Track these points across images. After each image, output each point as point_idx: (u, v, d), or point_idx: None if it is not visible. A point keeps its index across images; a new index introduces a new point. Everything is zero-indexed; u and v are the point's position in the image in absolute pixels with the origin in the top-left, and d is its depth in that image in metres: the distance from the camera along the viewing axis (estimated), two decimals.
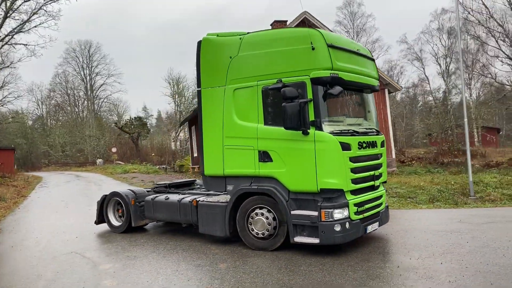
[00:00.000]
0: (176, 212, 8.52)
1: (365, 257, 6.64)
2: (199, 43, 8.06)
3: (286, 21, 24.11)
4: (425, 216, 10.40)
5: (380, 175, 7.61)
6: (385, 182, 7.93)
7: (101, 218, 9.93)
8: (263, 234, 7.24)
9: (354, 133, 7.08)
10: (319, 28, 21.24)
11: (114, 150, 45.77)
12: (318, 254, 6.89)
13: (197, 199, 8.21)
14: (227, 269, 6.35)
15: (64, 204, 15.56)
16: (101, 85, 66.96)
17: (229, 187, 7.77)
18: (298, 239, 6.83)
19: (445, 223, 9.31)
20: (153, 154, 50.36)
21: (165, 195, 9.00)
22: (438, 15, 50.92)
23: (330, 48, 6.73)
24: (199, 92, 8.10)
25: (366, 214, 7.14)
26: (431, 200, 14.14)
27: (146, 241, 8.60)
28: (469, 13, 36.51)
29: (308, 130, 6.65)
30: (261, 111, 7.21)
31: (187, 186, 10.25)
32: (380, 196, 7.68)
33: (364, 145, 7.14)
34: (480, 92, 53.75)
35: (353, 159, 6.83)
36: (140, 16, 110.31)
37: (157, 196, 9.09)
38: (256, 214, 7.30)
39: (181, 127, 52.19)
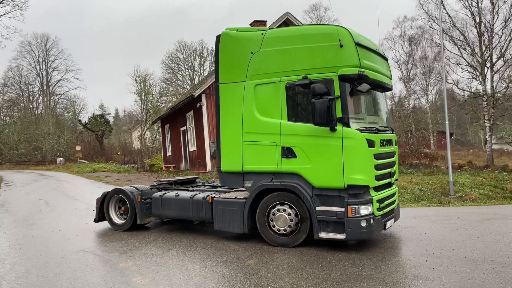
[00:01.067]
0: (188, 209, 8.35)
1: (390, 252, 6.77)
2: (218, 37, 7.96)
3: (266, 21, 24.21)
4: (421, 214, 10.72)
5: (394, 173, 7.80)
6: (396, 180, 8.12)
7: (101, 215, 9.57)
8: (284, 230, 7.23)
9: (377, 131, 7.21)
10: None
11: (78, 148, 44.12)
12: (341, 249, 6.97)
13: (212, 196, 8.08)
14: (257, 265, 6.29)
15: (44, 202, 14.85)
16: (58, 80, 64.25)
17: (247, 183, 7.70)
18: (323, 235, 6.87)
19: (445, 219, 9.65)
20: (118, 153, 49.00)
21: (175, 192, 8.80)
22: (401, 23, 52.65)
23: (357, 46, 6.83)
24: (217, 87, 7.99)
25: (385, 210, 7.29)
26: (416, 199, 14.65)
27: (156, 238, 8.37)
28: (434, 21, 37.96)
29: (336, 127, 6.70)
30: (285, 107, 7.20)
31: (190, 183, 10.07)
32: (394, 194, 7.86)
33: (384, 142, 7.28)
34: (436, 98, 56.08)
35: (376, 156, 6.96)
36: (97, 12, 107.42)
37: (165, 193, 8.87)
38: (278, 210, 7.28)
39: (148, 125, 51.17)
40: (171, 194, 8.76)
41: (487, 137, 33.15)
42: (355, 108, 7.14)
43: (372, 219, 6.77)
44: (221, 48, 7.90)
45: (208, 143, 20.40)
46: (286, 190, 7.24)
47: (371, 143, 6.81)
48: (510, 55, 35.17)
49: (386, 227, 7.33)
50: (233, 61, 7.79)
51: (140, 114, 54.93)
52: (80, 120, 50.45)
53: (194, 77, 61.08)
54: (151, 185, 9.90)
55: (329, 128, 6.70)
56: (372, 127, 7.19)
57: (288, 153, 7.15)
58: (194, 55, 61.66)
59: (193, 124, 22.31)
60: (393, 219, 7.69)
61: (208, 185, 9.86)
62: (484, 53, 34.29)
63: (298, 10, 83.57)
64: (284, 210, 7.24)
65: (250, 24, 24.90)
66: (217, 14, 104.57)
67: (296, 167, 7.10)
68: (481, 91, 33.43)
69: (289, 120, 7.18)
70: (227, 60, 7.85)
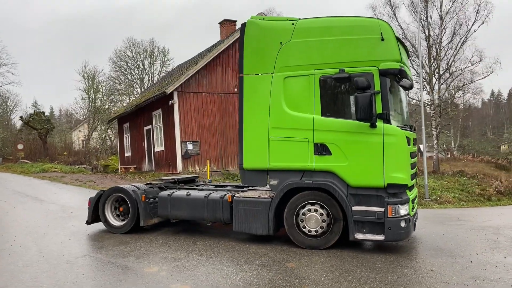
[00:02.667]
0: (202, 209, 7.73)
1: (428, 253, 6.60)
2: (244, 25, 7.46)
3: (236, 21, 23.80)
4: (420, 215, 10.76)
5: (416, 173, 7.69)
6: None
7: (94, 217, 8.67)
8: (316, 231, 6.85)
9: (410, 129, 7.06)
10: None
11: (20, 147, 40.88)
12: (374, 251, 6.72)
13: (232, 195, 7.54)
14: (300, 268, 5.86)
15: (7, 204, 13.39)
16: None
17: (273, 182, 7.24)
18: (360, 236, 6.57)
19: (447, 221, 9.73)
20: (65, 153, 46.19)
21: (185, 191, 8.13)
22: None
23: (397, 40, 6.64)
24: (240, 79, 7.47)
25: (414, 211, 7.14)
26: None
27: (166, 241, 7.67)
28: None
29: (376, 123, 6.44)
30: (318, 101, 6.85)
31: (191, 182, 9.41)
32: (417, 195, 7.75)
33: (412, 141, 7.14)
34: None
35: (411, 155, 6.80)
36: (36, 8, 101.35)
37: (174, 192, 8.18)
38: (309, 210, 6.90)
39: (98, 125, 48.84)
40: (181, 193, 8.09)
41: (434, 144, 34.81)
42: (389, 104, 6.91)
43: (409, 219, 6.57)
44: (246, 37, 7.40)
45: (180, 143, 19.57)
46: (318, 189, 6.87)
47: (408, 141, 6.64)
48: (455, 68, 37.16)
49: (415, 229, 7.17)
50: (260, 51, 7.32)
51: (84, 112, 52.26)
52: (21, 117, 46.80)
53: (144, 76, 59.08)
54: (147, 184, 9.11)
55: (369, 124, 6.42)
56: (405, 125, 7.03)
57: (322, 150, 6.79)
58: (145, 54, 59.69)
59: (161, 123, 21.35)
60: (416, 219, 7.56)
61: (211, 185, 9.25)
62: (433, 64, 36.01)
63: (249, 14, 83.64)
64: (316, 210, 6.86)
65: (220, 23, 24.40)
66: (166, 14, 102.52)
67: (331, 165, 6.75)
68: (429, 100, 34.91)
69: (323, 115, 6.83)
70: (253, 51, 7.37)
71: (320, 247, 6.85)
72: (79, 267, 6.17)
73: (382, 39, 6.53)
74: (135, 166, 25.65)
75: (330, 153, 6.75)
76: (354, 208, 6.61)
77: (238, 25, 23.80)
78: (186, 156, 19.53)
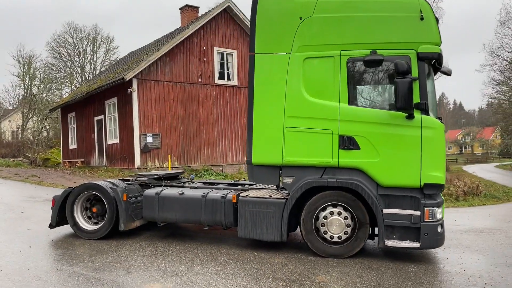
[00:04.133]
0: (199, 210, 6.56)
1: (455, 259, 5.89)
2: None
3: (198, 7, 22.48)
4: None
5: None
6: None
7: (59, 219, 7.19)
8: (339, 237, 5.93)
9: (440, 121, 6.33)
10: (243, 20, 20.25)
11: None
12: (407, 260, 5.93)
13: (237, 194, 6.43)
14: (334, 283, 4.92)
15: None
16: None
17: (287, 180, 6.23)
18: (391, 243, 5.73)
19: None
20: None
21: (178, 189, 6.89)
22: None
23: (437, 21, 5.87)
24: (251, 58, 6.36)
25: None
26: None
27: (154, 249, 6.40)
28: None
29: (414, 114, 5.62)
30: (345, 87, 5.92)
31: (175, 178, 8.14)
32: None
33: None
34: None
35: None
36: None
37: (163, 190, 6.90)
38: (331, 213, 5.95)
39: (34, 114, 45.09)
40: (172, 191, 6.84)
41: None
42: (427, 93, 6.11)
43: (443, 224, 5.83)
44: (260, 9, 6.31)
45: (138, 135, 17.92)
46: (342, 189, 5.95)
47: (445, 135, 5.89)
48: None
49: None
50: (275, 27, 6.26)
51: (14, 101, 48.15)
52: None
53: (86, 64, 55.49)
54: (123, 180, 7.73)
55: (406, 115, 5.59)
56: (437, 117, 6.28)
57: (348, 143, 5.87)
58: (87, 41, 56.04)
59: (116, 113, 19.53)
60: None
61: (198, 182, 8.05)
62: None
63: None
64: (340, 213, 5.94)
65: (181, 9, 22.91)
66: (110, 4, 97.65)
67: (359, 161, 5.85)
68: None
69: (350, 103, 5.91)
70: (267, 26, 6.30)
71: (343, 256, 5.94)
72: (55, 286, 4.79)
73: (422, 19, 5.72)
74: (82, 159, 23.49)
75: (358, 148, 5.84)
76: (386, 211, 5.75)
77: (202, 12, 22.48)
78: (145, 150, 17.94)
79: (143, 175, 7.76)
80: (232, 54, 20.72)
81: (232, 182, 8.01)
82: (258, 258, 5.97)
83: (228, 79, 20.56)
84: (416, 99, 5.63)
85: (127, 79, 17.33)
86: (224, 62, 20.46)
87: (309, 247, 6.04)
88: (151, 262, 5.75)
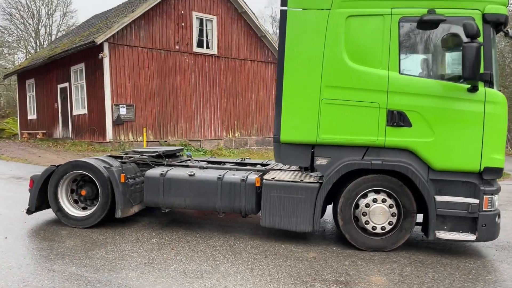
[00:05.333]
0: (214, 195, 5.56)
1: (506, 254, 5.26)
2: None
3: None
4: None
5: None
6: None
7: (39, 203, 5.99)
8: (382, 228, 5.12)
9: None
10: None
11: None
12: (458, 254, 5.23)
13: (260, 176, 5.47)
14: (395, 285, 4.10)
15: None
16: None
17: (321, 161, 5.32)
18: (444, 235, 4.99)
19: None
20: None
21: (188, 170, 5.83)
22: None
23: None
24: (282, 14, 5.30)
25: None
26: None
27: (161, 241, 5.39)
28: None
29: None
30: (396, 52, 5.01)
31: (173, 156, 7.04)
32: None
33: None
34: None
35: None
36: None
37: (168, 171, 5.83)
38: (374, 200, 5.12)
39: None
40: (180, 172, 5.78)
41: None
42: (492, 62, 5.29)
43: (500, 213, 5.14)
44: None
45: (110, 105, 16.37)
46: (386, 172, 5.12)
47: None
48: None
49: None
50: None
51: None
52: None
53: (40, 28, 51.65)
54: (114, 158, 6.57)
55: (469, 87, 4.77)
56: None
57: (398, 119, 5.00)
58: (41, 2, 52.03)
59: (84, 81, 17.79)
60: None
61: (202, 161, 7.01)
62: None
63: None
64: (384, 201, 5.11)
65: None
66: None
67: (410, 140, 5.01)
68: None
69: (402, 72, 5.02)
70: None
71: (385, 249, 5.17)
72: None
73: None
74: (44, 131, 21.61)
75: (409, 125, 4.99)
76: (439, 198, 4.98)
77: None
78: (118, 122, 16.47)
79: (138, 152, 6.61)
80: (212, 20, 19.29)
81: (239, 161, 7.01)
82: (289, 252, 5.09)
83: (208, 47, 19.19)
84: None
85: (98, 43, 15.65)
86: (203, 29, 19.03)
87: (347, 239, 5.21)
88: (163, 258, 4.74)
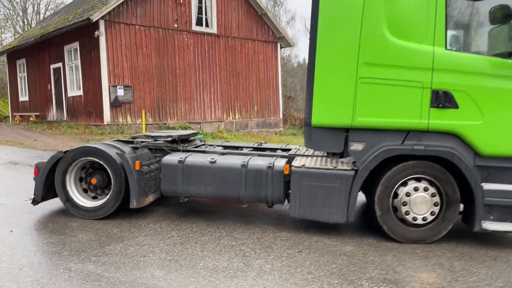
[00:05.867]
0: (237, 183, 5.13)
1: None
2: None
3: None
4: None
5: None
6: None
7: (45, 192, 5.51)
8: (423, 219, 4.74)
9: None
10: None
11: None
12: (491, 244, 4.86)
13: (289, 163, 5.03)
14: (449, 283, 3.73)
15: None
16: None
17: (356, 146, 4.89)
18: (491, 225, 4.61)
19: None
20: None
21: (208, 156, 5.36)
22: None
23: None
24: None
25: None
26: None
27: (183, 234, 4.96)
28: None
29: None
30: (442, 26, 4.54)
31: (187, 141, 6.55)
32: None
33: None
34: None
35: None
36: None
37: (187, 157, 5.36)
38: (416, 189, 4.72)
39: None
40: (201, 159, 5.32)
41: None
42: None
43: None
44: None
45: (108, 87, 15.74)
46: (429, 158, 4.70)
47: None
48: None
49: None
50: None
51: None
52: None
53: (28, 6, 50.04)
54: (124, 142, 6.08)
55: None
56: None
57: (444, 100, 4.56)
58: None
59: (79, 61, 17.08)
60: None
61: (217, 146, 6.54)
62: None
63: None
64: (426, 189, 4.71)
65: None
66: None
67: (456, 123, 4.59)
68: None
69: (448, 47, 4.56)
70: None
71: (425, 241, 4.79)
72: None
73: None
74: (37, 114, 20.93)
75: (456, 106, 4.55)
76: (487, 186, 4.59)
77: None
78: (115, 104, 15.87)
79: (151, 136, 6.13)
80: None
81: (255, 145, 6.57)
82: (322, 245, 4.69)
83: (207, 25, 18.50)
84: None
85: (93, 20, 14.93)
86: (202, 6, 18.30)
87: (384, 230, 4.82)
88: (189, 254, 4.32)
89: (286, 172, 4.96)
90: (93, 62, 16.13)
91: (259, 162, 5.19)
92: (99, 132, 15.46)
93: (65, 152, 5.48)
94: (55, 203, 5.89)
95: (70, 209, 5.44)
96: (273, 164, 5.08)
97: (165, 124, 17.06)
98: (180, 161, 5.27)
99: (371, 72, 4.68)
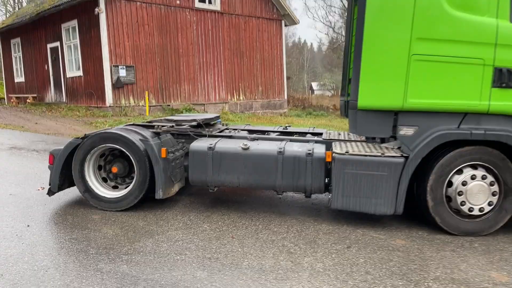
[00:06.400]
0: (273, 172, 4.70)
1: None
2: None
3: None
4: None
5: None
6: None
7: (61, 182, 5.06)
8: (480, 210, 4.35)
9: None
10: None
11: None
12: None
13: (330, 150, 4.60)
14: None
15: None
16: None
17: (406, 130, 4.47)
18: None
19: None
20: None
21: (240, 142, 4.91)
22: None
23: None
24: None
25: None
26: None
27: (215, 227, 4.56)
28: None
29: None
30: None
31: (210, 125, 6.08)
32: None
33: None
34: None
35: None
36: None
37: (217, 142, 4.91)
38: (473, 177, 4.31)
39: None
40: (232, 145, 4.87)
41: None
42: None
43: None
44: None
45: (109, 67, 15.12)
46: (485, 143, 4.29)
47: None
48: None
49: None
50: None
51: None
52: None
53: None
54: (144, 127, 5.60)
55: None
56: None
57: (508, 79, 4.14)
58: None
59: (78, 40, 16.39)
60: None
61: (242, 130, 6.08)
62: None
63: None
64: (484, 177, 4.31)
65: None
66: None
67: None
68: None
69: None
70: None
71: (481, 233, 4.42)
72: None
73: None
74: (34, 95, 20.27)
75: None
76: None
77: None
78: (118, 85, 15.29)
79: (173, 120, 5.66)
80: None
81: (280, 128, 6.11)
82: (370, 239, 4.31)
83: (210, 2, 17.79)
84: None
85: None
86: None
87: (437, 222, 4.42)
88: (229, 251, 3.92)
89: (329, 159, 4.53)
90: (93, 41, 15.46)
91: (296, 148, 4.75)
92: (101, 115, 14.91)
93: (83, 138, 5.00)
94: (70, 193, 5.48)
95: (90, 200, 5.01)
96: (312, 151, 4.65)
97: (169, 106, 16.52)
98: (210, 147, 4.82)
99: (426, 48, 4.22)
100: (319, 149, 4.71)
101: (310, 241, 4.22)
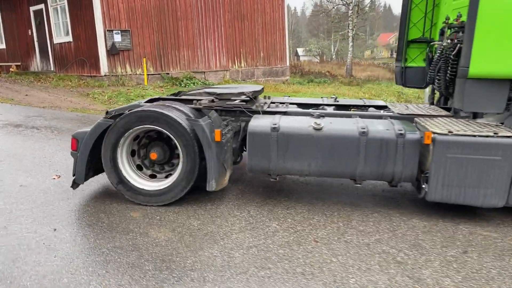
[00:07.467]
0: (354, 157, 3.84)
1: None
2: None
3: None
4: None
5: None
6: None
7: (88, 170, 4.12)
8: None
9: None
10: None
11: None
12: None
13: (429, 130, 3.73)
14: None
15: None
16: None
17: None
18: None
19: None
20: None
21: (310, 120, 4.00)
22: None
23: None
24: None
25: None
26: None
27: (287, 228, 3.72)
28: None
29: None
30: None
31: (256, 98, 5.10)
32: None
33: None
34: None
35: None
36: None
37: (279, 121, 3.99)
38: None
39: None
40: (299, 124, 3.96)
41: (349, 47, 33.16)
42: None
43: None
44: None
45: (103, 31, 13.77)
46: None
47: None
48: None
49: None
50: None
51: None
52: None
53: None
54: (182, 101, 4.62)
55: None
56: None
57: None
58: None
59: (65, 1, 14.91)
60: None
61: (289, 103, 5.13)
62: None
63: None
64: None
65: None
66: None
67: None
68: None
69: None
70: None
71: None
72: None
73: None
74: (18, 63, 18.75)
75: None
76: None
77: None
78: (113, 52, 14.01)
79: (215, 94, 4.67)
80: None
81: (330, 101, 5.17)
82: (482, 239, 3.55)
83: None
84: None
85: None
86: None
87: None
88: (320, 262, 3.10)
89: (428, 141, 3.67)
90: (83, 2, 14.03)
91: (381, 127, 3.88)
92: (96, 85, 13.71)
93: (113, 117, 4.02)
94: (93, 182, 4.54)
95: (125, 194, 4.09)
96: (404, 131, 3.78)
97: (168, 74, 15.36)
98: (274, 128, 3.90)
99: None
100: (411, 129, 3.85)
101: (413, 244, 3.42)
